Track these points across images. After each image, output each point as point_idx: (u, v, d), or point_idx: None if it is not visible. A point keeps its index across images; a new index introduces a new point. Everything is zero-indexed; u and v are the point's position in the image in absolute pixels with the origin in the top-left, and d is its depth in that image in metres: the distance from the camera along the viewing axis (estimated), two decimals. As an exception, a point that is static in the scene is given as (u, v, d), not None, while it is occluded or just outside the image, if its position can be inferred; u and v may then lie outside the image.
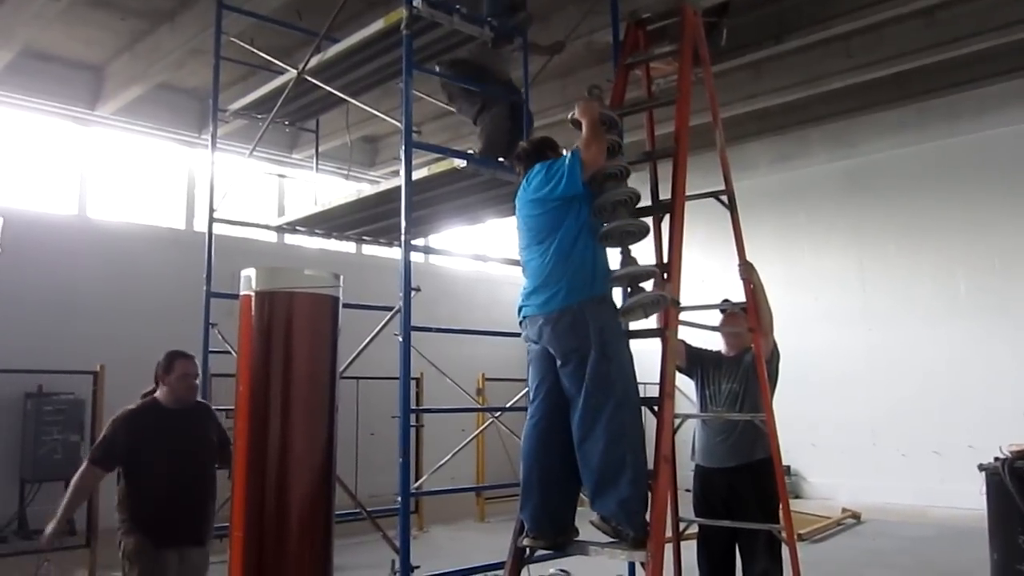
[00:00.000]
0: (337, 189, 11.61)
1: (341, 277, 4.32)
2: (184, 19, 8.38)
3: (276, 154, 11.78)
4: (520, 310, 4.28)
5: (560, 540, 4.26)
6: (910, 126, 11.55)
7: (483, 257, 8.88)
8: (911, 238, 11.70)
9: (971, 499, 9.95)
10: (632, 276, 4.44)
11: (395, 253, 6.71)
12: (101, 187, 10.74)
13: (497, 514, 10.44)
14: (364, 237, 7.55)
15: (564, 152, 4.38)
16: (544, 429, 4.22)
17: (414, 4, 5.04)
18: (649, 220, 5.17)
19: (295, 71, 6.41)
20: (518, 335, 4.53)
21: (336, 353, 4.23)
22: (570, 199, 4.20)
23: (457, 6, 5.34)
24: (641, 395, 4.29)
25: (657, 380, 4.32)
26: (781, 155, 12.76)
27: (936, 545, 8.99)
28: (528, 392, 5.87)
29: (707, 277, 9.15)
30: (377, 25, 5.57)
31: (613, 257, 4.39)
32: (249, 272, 4.11)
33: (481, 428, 8.67)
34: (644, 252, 4.70)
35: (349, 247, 11.65)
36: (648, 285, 4.77)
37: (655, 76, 5.79)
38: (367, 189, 6.36)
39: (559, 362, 4.10)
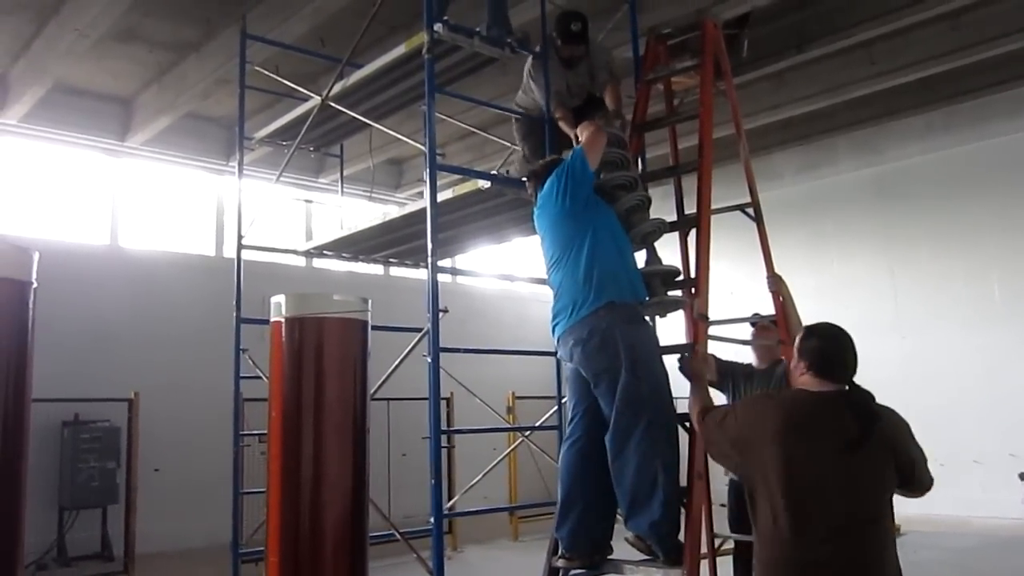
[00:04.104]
0: (364, 212, 11.70)
1: (369, 301, 4.35)
2: (209, 50, 8.50)
3: (303, 179, 11.89)
4: (553, 330, 4.28)
5: (596, 559, 4.24)
6: (938, 130, 11.42)
7: (510, 277, 8.92)
8: (942, 243, 11.54)
9: (1013, 508, 9.80)
10: (662, 275, 4.52)
11: (422, 273, 6.75)
12: (132, 217, 10.90)
13: (531, 533, 10.40)
14: (391, 259, 7.60)
15: None
16: (582, 449, 4.21)
17: (435, 28, 5.09)
18: (676, 235, 5.21)
19: (319, 98, 6.49)
20: (547, 353, 4.55)
21: (366, 376, 4.27)
22: (585, 204, 4.23)
23: (478, 29, 5.40)
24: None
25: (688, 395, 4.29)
26: (807, 164, 12.67)
27: (979, 556, 8.82)
28: (559, 410, 5.89)
29: (736, 289, 9.08)
30: (399, 50, 5.64)
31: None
32: (279, 298, 4.16)
33: (512, 447, 8.65)
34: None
35: (377, 269, 11.72)
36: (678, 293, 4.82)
37: (676, 90, 5.80)
38: (393, 212, 6.41)
39: (592, 383, 4.09)
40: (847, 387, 3.08)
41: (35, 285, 3.27)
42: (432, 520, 4.81)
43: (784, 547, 2.93)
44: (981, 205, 11.21)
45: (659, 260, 4.68)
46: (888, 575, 2.94)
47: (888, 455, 2.99)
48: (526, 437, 6.97)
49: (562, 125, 5.46)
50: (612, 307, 4.01)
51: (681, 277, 4.87)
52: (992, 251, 11.07)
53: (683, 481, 4.15)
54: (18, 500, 3.16)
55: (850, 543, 2.88)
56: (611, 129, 4.76)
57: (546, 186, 4.38)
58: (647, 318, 4.49)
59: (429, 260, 5.01)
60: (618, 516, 4.23)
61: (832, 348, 3.12)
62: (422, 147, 5.28)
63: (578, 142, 5.17)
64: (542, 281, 4.82)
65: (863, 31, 8.26)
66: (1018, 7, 8.24)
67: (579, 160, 4.28)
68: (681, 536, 4.02)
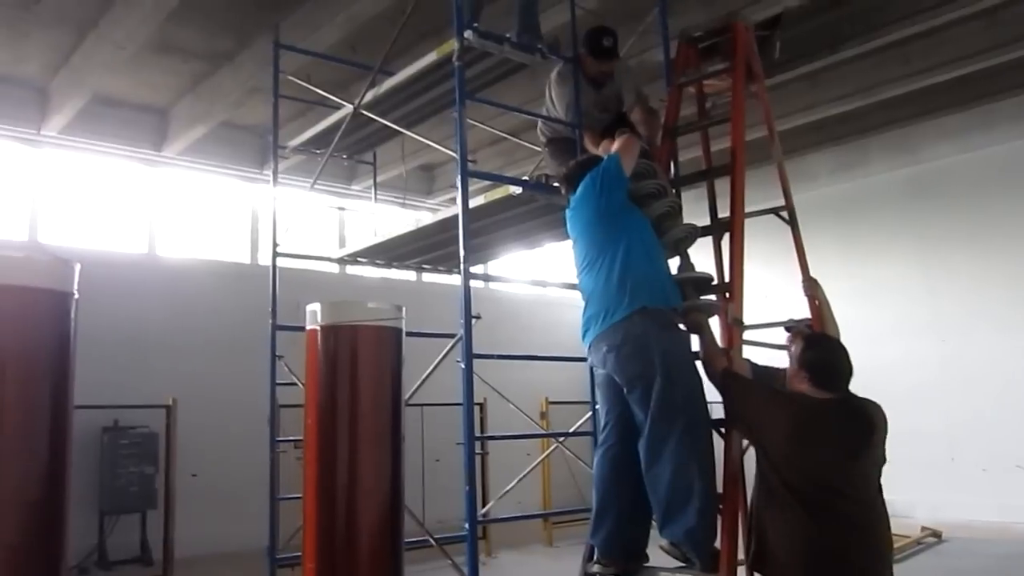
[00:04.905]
0: (396, 218, 11.77)
1: (403, 308, 4.38)
2: (243, 59, 8.61)
3: (336, 186, 11.98)
4: (584, 336, 4.26)
5: (631, 566, 4.22)
6: (975, 129, 11.24)
7: (542, 282, 8.92)
8: (980, 244, 11.35)
9: (1058, 514, 9.60)
10: (693, 282, 4.50)
11: (454, 279, 6.77)
12: (168, 225, 11.05)
13: (565, 538, 10.37)
14: (424, 266, 7.63)
15: None
16: (616, 455, 4.19)
17: (465, 35, 5.11)
18: (709, 239, 5.19)
19: (351, 106, 6.54)
20: (580, 359, 4.54)
21: (400, 383, 4.30)
22: (620, 208, 4.23)
23: (508, 35, 5.40)
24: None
25: (722, 400, 4.26)
26: (841, 165, 12.53)
27: (1022, 563, 8.64)
28: (592, 416, 5.87)
29: (770, 292, 9.00)
30: (430, 57, 5.67)
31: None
32: (314, 307, 4.20)
33: (546, 453, 8.62)
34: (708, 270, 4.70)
35: (409, 275, 11.78)
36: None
37: (708, 92, 5.77)
38: (425, 218, 6.44)
39: (625, 389, 4.07)
40: (844, 395, 3.52)
41: (76, 296, 3.34)
42: (467, 526, 4.82)
43: (812, 543, 3.34)
44: (1019, 205, 11.01)
45: (692, 266, 4.67)
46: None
47: (878, 453, 3.51)
48: (560, 443, 6.96)
49: (588, 146, 5.39)
50: (645, 313, 3.99)
51: (715, 283, 4.84)
52: (1032, 251, 10.87)
53: (717, 487, 4.12)
54: (63, 504, 3.22)
55: (871, 528, 3.39)
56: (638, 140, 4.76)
57: (580, 188, 4.37)
58: (680, 325, 4.47)
59: (461, 267, 5.01)
60: (653, 523, 4.21)
61: (831, 361, 3.55)
62: (453, 154, 5.29)
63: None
64: (574, 286, 4.81)
65: (897, 30, 8.14)
66: (1056, 3, 8.10)
67: (615, 164, 4.28)
68: (717, 543, 3.99)
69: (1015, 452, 10.40)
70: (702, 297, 4.66)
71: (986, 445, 10.67)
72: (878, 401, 3.60)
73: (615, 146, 4.48)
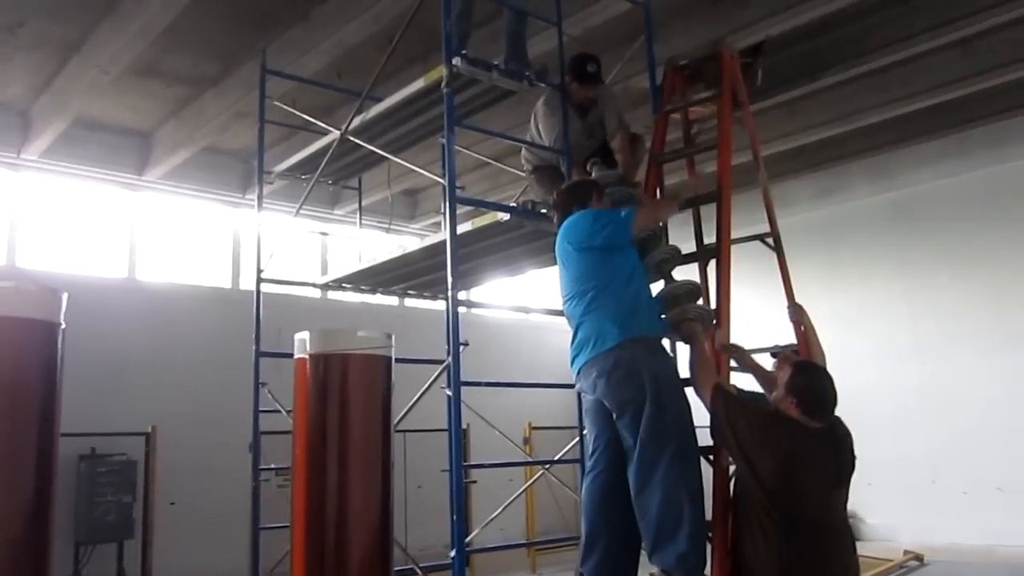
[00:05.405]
0: (379, 243, 11.73)
1: (392, 336, 4.36)
2: (228, 84, 8.58)
3: (318, 211, 11.93)
4: (573, 362, 4.26)
5: (621, 594, 4.20)
6: (951, 156, 11.40)
7: (525, 308, 8.92)
8: (961, 268, 11.47)
9: (1040, 537, 9.65)
10: (675, 293, 4.54)
11: (437, 304, 6.74)
12: (149, 250, 10.95)
13: (549, 564, 10.30)
14: (409, 291, 7.61)
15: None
16: (605, 482, 4.19)
17: (454, 62, 5.13)
18: (694, 266, 5.22)
19: (338, 132, 6.53)
20: (566, 385, 4.54)
21: (390, 411, 4.27)
22: (613, 246, 4.24)
23: (496, 62, 5.43)
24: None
25: (710, 426, 4.26)
26: (822, 190, 12.65)
27: (1005, 586, 8.68)
28: (579, 442, 5.85)
29: (752, 317, 9.05)
30: (417, 84, 5.68)
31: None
32: (303, 335, 4.17)
33: (531, 480, 8.58)
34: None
35: (391, 299, 11.72)
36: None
37: (694, 118, 5.82)
38: (409, 243, 6.44)
39: (614, 414, 4.07)
40: (831, 423, 3.73)
41: (63, 326, 3.29)
42: (452, 554, 4.77)
43: (787, 565, 3.52)
44: (998, 229, 11.16)
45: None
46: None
47: (851, 477, 3.73)
48: (546, 470, 6.93)
49: (576, 175, 5.43)
50: (636, 340, 4.02)
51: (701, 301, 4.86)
52: (1010, 275, 11.01)
53: (708, 513, 4.12)
54: (47, 539, 3.16)
55: (844, 554, 3.62)
56: (613, 170, 4.82)
57: (578, 219, 4.34)
58: (668, 350, 4.49)
59: (449, 294, 4.99)
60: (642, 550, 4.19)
61: (819, 390, 3.70)
62: (440, 180, 5.30)
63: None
64: (558, 312, 4.80)
65: (876, 59, 8.28)
66: (1029, 33, 8.25)
67: (628, 221, 4.26)
68: (708, 570, 3.98)
69: (996, 475, 10.46)
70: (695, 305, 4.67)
71: (968, 468, 10.72)
72: (859, 424, 3.74)
73: (647, 203, 4.56)
